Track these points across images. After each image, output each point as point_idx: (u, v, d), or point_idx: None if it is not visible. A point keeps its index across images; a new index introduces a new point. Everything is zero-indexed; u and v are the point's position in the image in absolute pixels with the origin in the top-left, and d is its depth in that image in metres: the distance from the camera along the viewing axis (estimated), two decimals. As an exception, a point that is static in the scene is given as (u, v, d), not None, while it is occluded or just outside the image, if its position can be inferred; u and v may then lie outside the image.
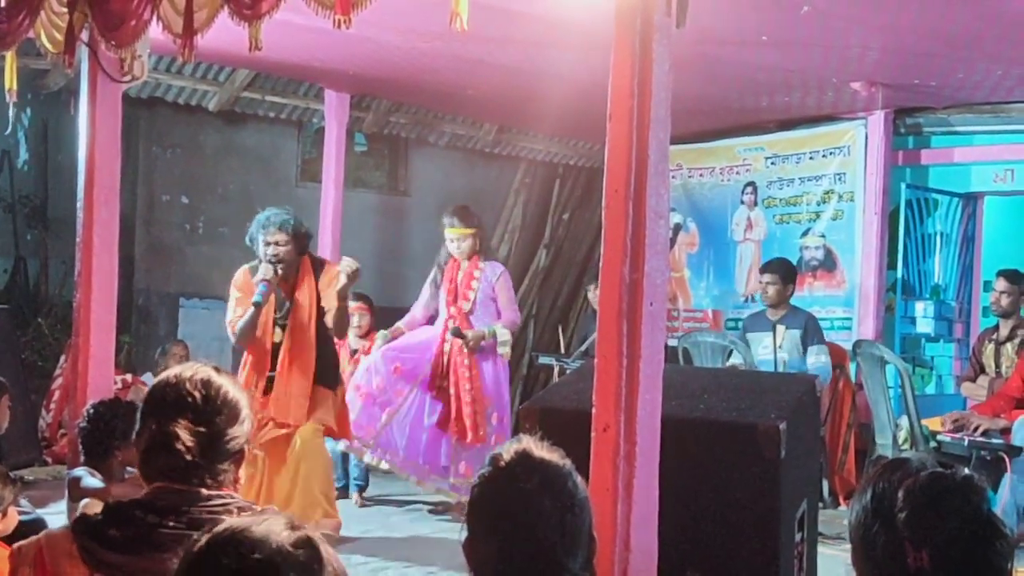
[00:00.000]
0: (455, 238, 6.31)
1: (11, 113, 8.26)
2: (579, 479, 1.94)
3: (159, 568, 1.82)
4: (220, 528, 1.42)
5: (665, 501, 3.19)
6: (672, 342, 6.94)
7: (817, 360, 6.72)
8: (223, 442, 2.05)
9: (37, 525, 4.03)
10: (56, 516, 4.49)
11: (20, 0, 5.11)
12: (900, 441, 6.09)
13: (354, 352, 6.92)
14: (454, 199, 7.76)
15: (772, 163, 8.56)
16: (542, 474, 1.88)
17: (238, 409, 2.09)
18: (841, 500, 6.87)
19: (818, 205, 8.25)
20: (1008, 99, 7.53)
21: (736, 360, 6.81)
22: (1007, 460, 5.45)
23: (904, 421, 6.09)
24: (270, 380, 5.32)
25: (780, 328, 6.88)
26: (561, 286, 10.54)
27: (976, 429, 5.75)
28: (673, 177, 8.48)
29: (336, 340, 5.70)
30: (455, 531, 1.96)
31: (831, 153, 8.17)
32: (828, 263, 8.21)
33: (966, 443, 5.65)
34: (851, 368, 7.27)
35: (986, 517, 1.71)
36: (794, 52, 6.51)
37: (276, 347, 5.33)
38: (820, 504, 5.31)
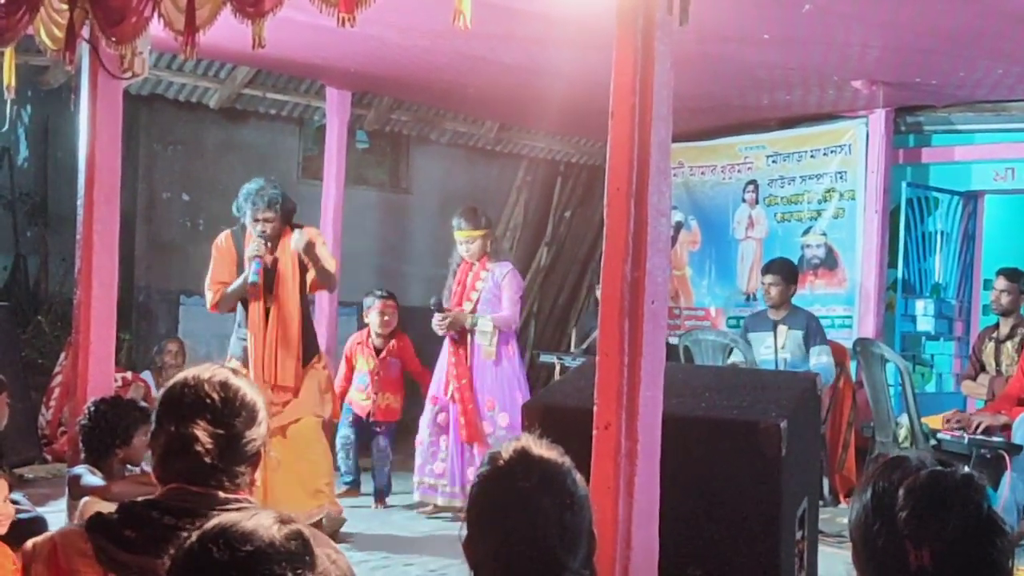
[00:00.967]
0: (464, 240, 6.27)
1: (11, 110, 8.25)
2: (578, 477, 1.93)
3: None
4: (211, 524, 1.44)
5: (666, 499, 3.19)
6: (673, 340, 6.94)
7: (819, 360, 6.71)
8: (241, 444, 2.04)
9: (36, 523, 4.04)
10: (56, 514, 4.49)
11: (19, -3, 5.11)
12: (900, 439, 6.09)
13: (378, 351, 6.79)
14: (455, 197, 7.75)
15: (773, 161, 8.56)
16: (541, 472, 1.87)
17: (256, 411, 2.08)
18: (841, 498, 6.86)
19: (819, 203, 8.25)
20: (1009, 97, 7.53)
21: (737, 358, 6.81)
22: (1007, 458, 5.45)
23: (904, 419, 6.10)
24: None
25: (782, 328, 6.88)
26: (563, 284, 10.54)
27: (978, 427, 5.76)
28: (675, 175, 8.42)
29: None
30: (456, 529, 1.96)
31: (832, 151, 8.17)
32: (829, 261, 8.21)
33: (966, 441, 5.66)
34: (851, 366, 7.27)
35: (986, 515, 1.70)
36: (795, 50, 6.51)
37: (266, 312, 5.48)
38: (820, 502, 5.31)
